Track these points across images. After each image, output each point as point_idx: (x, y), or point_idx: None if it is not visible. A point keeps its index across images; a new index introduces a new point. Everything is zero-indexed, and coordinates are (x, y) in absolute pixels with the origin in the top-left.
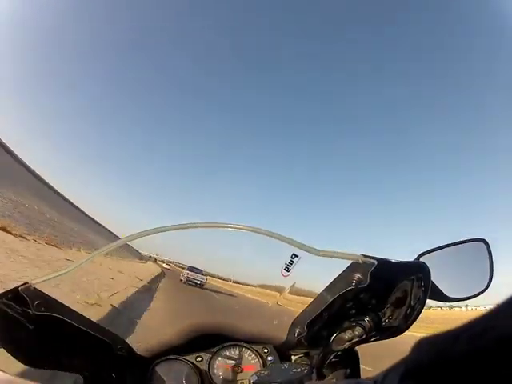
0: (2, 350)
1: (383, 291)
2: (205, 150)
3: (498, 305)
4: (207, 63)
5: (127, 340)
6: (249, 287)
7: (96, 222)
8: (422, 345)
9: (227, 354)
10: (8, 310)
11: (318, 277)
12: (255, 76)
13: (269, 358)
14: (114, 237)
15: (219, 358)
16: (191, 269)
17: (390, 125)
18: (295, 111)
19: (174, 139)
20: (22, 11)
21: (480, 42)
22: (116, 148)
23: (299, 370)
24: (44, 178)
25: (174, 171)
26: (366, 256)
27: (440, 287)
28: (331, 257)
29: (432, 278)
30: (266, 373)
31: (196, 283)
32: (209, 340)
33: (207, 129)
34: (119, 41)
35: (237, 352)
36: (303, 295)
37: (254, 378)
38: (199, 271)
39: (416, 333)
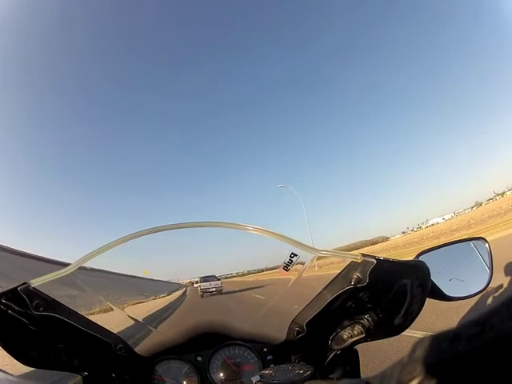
0: (2, 349)
1: (382, 290)
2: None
3: (497, 304)
4: None
5: (127, 340)
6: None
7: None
8: (422, 344)
9: (227, 353)
10: (7, 310)
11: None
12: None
13: (268, 358)
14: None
15: (219, 358)
16: (203, 279)
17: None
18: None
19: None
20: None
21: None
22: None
23: (302, 371)
24: None
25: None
26: (365, 255)
27: (440, 286)
28: (331, 256)
29: (432, 277)
30: (269, 373)
31: (212, 292)
32: (208, 339)
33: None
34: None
35: (236, 351)
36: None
37: (257, 378)
38: (212, 278)
39: None
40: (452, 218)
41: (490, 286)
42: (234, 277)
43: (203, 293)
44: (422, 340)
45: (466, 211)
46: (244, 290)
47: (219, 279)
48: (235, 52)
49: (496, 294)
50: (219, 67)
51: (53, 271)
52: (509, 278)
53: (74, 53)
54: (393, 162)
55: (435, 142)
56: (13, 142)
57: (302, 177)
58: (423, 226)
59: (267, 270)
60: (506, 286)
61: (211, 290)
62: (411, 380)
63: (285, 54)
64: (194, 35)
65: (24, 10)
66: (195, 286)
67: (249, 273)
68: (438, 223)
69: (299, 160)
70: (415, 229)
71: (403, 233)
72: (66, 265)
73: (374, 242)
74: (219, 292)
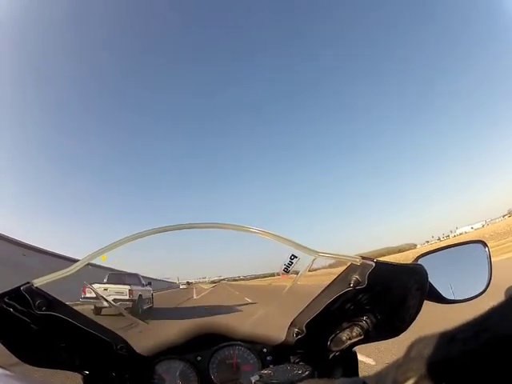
0: (4, 348)
1: (381, 292)
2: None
3: (492, 307)
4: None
5: (127, 339)
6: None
7: None
8: (418, 345)
9: (226, 353)
10: (9, 310)
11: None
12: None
13: (267, 358)
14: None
15: (218, 358)
16: (111, 276)
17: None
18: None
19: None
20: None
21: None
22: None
23: (301, 371)
24: None
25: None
26: (364, 258)
27: (438, 289)
28: (330, 258)
29: (430, 280)
30: (268, 373)
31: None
32: (208, 340)
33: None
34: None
35: (236, 351)
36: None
37: (256, 378)
38: (123, 277)
39: None
40: (483, 226)
41: (488, 289)
42: (236, 280)
43: (96, 307)
44: (418, 341)
45: (497, 220)
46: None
47: (129, 284)
48: (251, 56)
49: (494, 298)
50: (235, 69)
51: (59, 266)
52: (506, 281)
53: (90, 53)
54: (421, 167)
55: (468, 148)
56: (31, 139)
57: (322, 180)
58: (451, 235)
59: (268, 275)
60: (503, 289)
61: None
62: (407, 380)
63: (297, 59)
64: (206, 39)
65: (42, 10)
66: (182, 286)
67: (250, 277)
68: (466, 232)
69: (321, 163)
70: (442, 238)
71: (427, 242)
72: (70, 260)
73: (400, 250)
74: (131, 307)
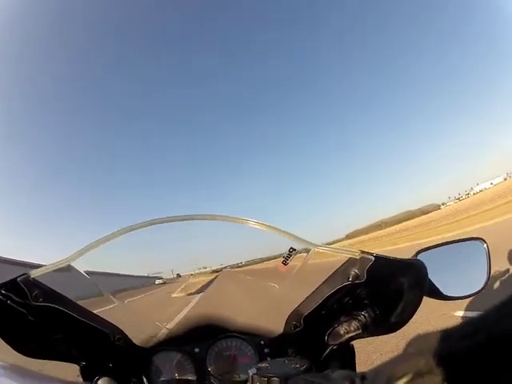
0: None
1: (380, 287)
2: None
3: (489, 306)
4: None
5: (125, 330)
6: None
7: None
8: (416, 341)
9: (224, 345)
10: (6, 301)
11: None
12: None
13: (265, 351)
14: None
15: (216, 349)
16: None
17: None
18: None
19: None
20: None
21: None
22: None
23: (298, 364)
24: None
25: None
26: (363, 252)
27: (437, 285)
28: (329, 251)
29: (429, 276)
30: (265, 366)
31: None
32: (206, 332)
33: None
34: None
35: (233, 344)
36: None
37: (254, 371)
38: None
39: None
40: (505, 179)
41: (487, 287)
42: (240, 267)
43: None
44: (416, 338)
45: None
46: None
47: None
48: (246, 51)
49: (491, 296)
50: (227, 65)
51: None
52: (506, 279)
53: (72, 50)
54: (436, 125)
55: (483, 99)
56: (13, 141)
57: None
58: (471, 193)
59: (272, 258)
60: (502, 288)
61: None
62: (404, 375)
63: (294, 55)
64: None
65: (29, 8)
66: (157, 281)
67: (246, 264)
68: (486, 189)
69: (322, 148)
70: (461, 197)
71: (443, 204)
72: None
73: (424, 212)
74: None
